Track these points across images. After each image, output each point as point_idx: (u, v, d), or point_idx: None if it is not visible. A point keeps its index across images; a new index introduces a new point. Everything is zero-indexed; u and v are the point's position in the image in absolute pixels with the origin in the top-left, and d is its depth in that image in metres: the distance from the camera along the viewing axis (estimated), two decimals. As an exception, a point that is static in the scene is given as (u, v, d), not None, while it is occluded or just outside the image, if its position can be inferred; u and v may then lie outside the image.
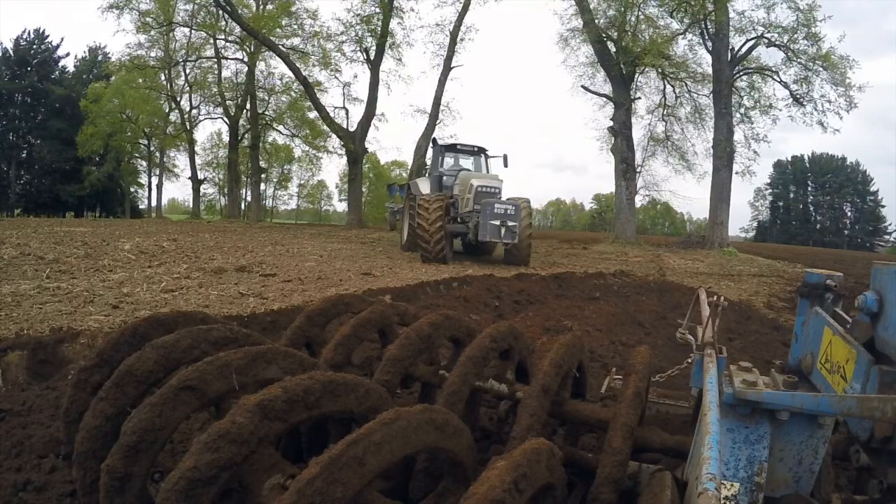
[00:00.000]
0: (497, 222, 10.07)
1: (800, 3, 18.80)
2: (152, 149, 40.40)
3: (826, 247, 50.82)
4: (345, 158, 25.38)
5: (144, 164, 43.13)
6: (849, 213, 66.30)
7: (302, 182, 59.28)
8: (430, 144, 13.32)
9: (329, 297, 2.38)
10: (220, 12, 24.83)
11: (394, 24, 23.01)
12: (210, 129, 79.15)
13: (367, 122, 23.75)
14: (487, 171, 13.26)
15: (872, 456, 1.57)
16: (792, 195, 68.14)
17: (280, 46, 23.20)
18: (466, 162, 13.75)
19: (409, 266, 9.34)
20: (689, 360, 2.04)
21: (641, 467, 1.75)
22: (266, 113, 32.32)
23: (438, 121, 23.73)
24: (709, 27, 19.28)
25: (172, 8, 25.04)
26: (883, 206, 63.80)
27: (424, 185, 12.65)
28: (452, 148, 13.95)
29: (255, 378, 1.44)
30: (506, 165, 13.05)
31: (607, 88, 21.51)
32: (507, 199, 10.92)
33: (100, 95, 34.04)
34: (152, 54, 30.52)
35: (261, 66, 30.09)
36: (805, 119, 20.26)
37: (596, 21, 19.84)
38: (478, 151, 13.53)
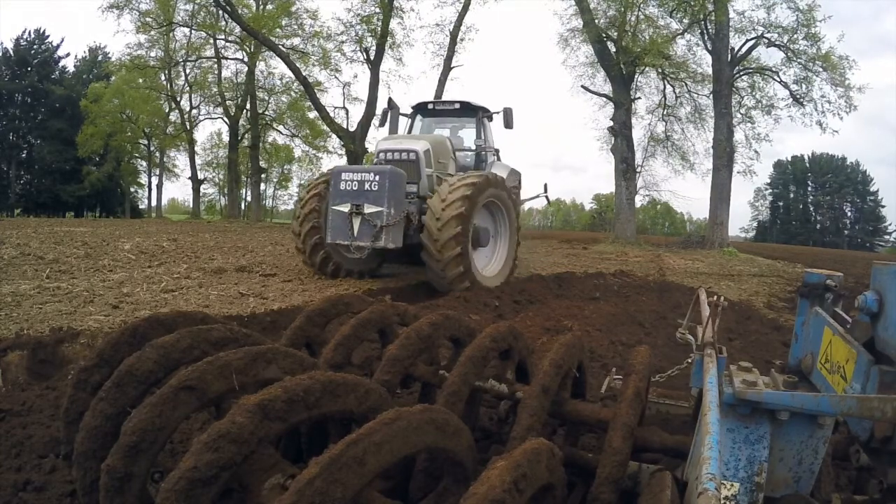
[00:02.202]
0: (344, 208, 5.84)
1: (799, 4, 18.83)
2: (152, 149, 40.40)
3: (826, 247, 50.78)
4: (345, 158, 25.36)
5: (144, 164, 43.15)
6: (849, 213, 66.29)
7: (302, 182, 59.32)
8: (388, 107, 8.80)
9: (329, 297, 2.38)
10: (220, 12, 24.82)
11: (394, 24, 23.01)
12: (210, 129, 79.29)
13: (367, 122, 23.72)
14: (485, 139, 9.00)
15: (872, 456, 1.57)
16: (792, 195, 68.13)
17: (280, 46, 23.20)
18: (468, 131, 9.32)
19: (409, 266, 9.31)
20: (689, 360, 2.04)
21: (641, 467, 1.75)
22: (266, 113, 32.32)
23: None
24: (709, 27, 19.29)
25: (172, 8, 25.03)
26: (883, 207, 63.86)
27: None
28: (423, 108, 9.20)
29: (255, 378, 1.44)
30: (508, 126, 8.67)
31: (607, 88, 21.53)
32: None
33: (100, 95, 34.06)
34: (152, 54, 30.53)
35: (261, 66, 30.11)
36: (805, 119, 20.31)
37: (596, 21, 19.83)
38: (463, 110, 8.75)
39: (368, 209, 5.91)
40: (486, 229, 7.08)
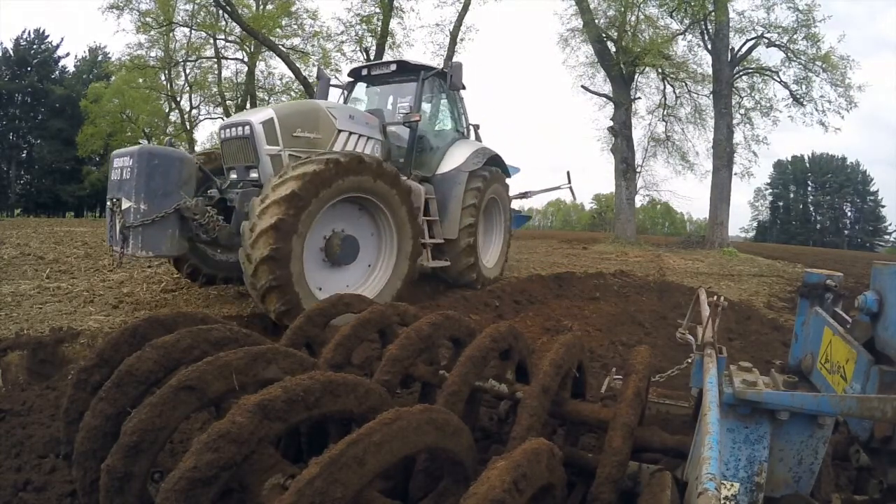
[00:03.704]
0: (109, 203, 4.66)
1: (799, 4, 18.84)
2: (152, 149, 40.37)
3: (826, 247, 50.80)
4: (345, 158, 25.28)
5: (144, 164, 43.11)
6: (849, 213, 66.36)
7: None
8: (316, 77, 7.56)
9: (329, 297, 2.38)
10: (220, 12, 24.83)
11: (394, 24, 23.00)
12: (210, 129, 78.98)
13: (366, 122, 23.67)
14: (454, 108, 7.77)
15: (872, 456, 1.57)
16: (792, 195, 68.18)
17: (280, 46, 23.21)
18: (439, 103, 7.70)
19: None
20: (689, 360, 2.04)
21: (641, 467, 1.75)
22: (266, 113, 32.27)
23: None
24: (709, 27, 19.29)
25: (172, 8, 25.03)
26: (883, 206, 63.92)
27: None
28: (358, 75, 7.48)
29: (255, 378, 1.44)
30: (455, 87, 6.83)
31: (607, 88, 21.53)
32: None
33: (100, 95, 34.07)
34: (152, 54, 30.50)
35: (261, 66, 30.09)
36: (805, 119, 20.34)
37: (596, 21, 19.84)
38: (401, 72, 7.02)
39: (125, 204, 4.41)
40: (352, 239, 5.00)
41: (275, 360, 1.51)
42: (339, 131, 5.70)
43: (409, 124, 6.56)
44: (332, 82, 7.61)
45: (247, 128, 5.16)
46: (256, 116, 5.21)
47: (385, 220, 5.27)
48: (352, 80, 7.60)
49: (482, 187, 6.96)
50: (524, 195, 9.68)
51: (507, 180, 8.21)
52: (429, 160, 6.99)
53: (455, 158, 7.00)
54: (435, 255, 6.51)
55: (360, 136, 5.95)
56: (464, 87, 7.66)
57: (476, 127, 8.22)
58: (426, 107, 7.49)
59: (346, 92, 7.58)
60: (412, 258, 5.43)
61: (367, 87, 7.69)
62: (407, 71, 7.01)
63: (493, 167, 7.47)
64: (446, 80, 6.89)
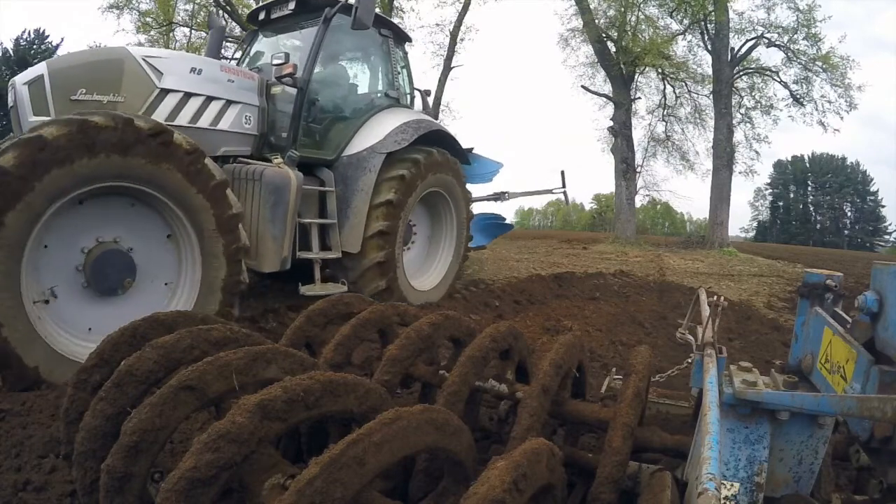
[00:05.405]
0: None
1: (799, 4, 18.85)
2: (152, 149, 40.34)
3: (826, 247, 50.75)
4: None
5: (144, 164, 43.07)
6: (849, 213, 66.34)
7: (302, 182, 59.04)
8: (208, 28, 5.50)
9: (329, 297, 2.38)
10: (221, 12, 24.86)
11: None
12: (210, 129, 79.01)
13: (366, 122, 23.60)
14: (384, 64, 5.74)
15: (872, 456, 1.57)
16: (792, 195, 68.15)
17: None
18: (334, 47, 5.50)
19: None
20: (689, 360, 2.04)
21: (641, 467, 1.75)
22: (266, 113, 32.26)
23: (438, 121, 23.64)
24: (709, 27, 19.30)
25: (172, 8, 25.06)
26: (883, 207, 63.92)
27: None
28: (256, 20, 5.67)
29: (255, 378, 1.44)
30: (362, 24, 4.75)
31: (607, 88, 21.53)
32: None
33: (100, 95, 34.11)
34: (152, 54, 30.56)
35: (261, 66, 30.13)
36: (805, 119, 20.34)
37: (596, 21, 19.85)
38: (302, 12, 5.19)
39: None
40: (119, 253, 3.35)
41: (275, 360, 1.51)
42: (165, 91, 3.94)
43: (283, 79, 4.60)
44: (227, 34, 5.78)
45: (10, 92, 3.82)
46: (23, 76, 3.74)
47: (182, 230, 3.55)
48: (254, 29, 5.79)
49: (408, 176, 4.97)
50: (499, 196, 7.79)
51: (488, 182, 6.64)
52: (335, 136, 5.07)
53: (373, 133, 5.02)
54: (334, 272, 4.80)
55: (211, 98, 4.17)
56: (408, 40, 5.90)
57: (425, 93, 6.44)
58: (344, 62, 5.73)
59: (248, 45, 5.81)
60: (228, 277, 3.68)
61: (270, 36, 5.66)
62: (311, 10, 5.13)
63: (436, 148, 5.45)
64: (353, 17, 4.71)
